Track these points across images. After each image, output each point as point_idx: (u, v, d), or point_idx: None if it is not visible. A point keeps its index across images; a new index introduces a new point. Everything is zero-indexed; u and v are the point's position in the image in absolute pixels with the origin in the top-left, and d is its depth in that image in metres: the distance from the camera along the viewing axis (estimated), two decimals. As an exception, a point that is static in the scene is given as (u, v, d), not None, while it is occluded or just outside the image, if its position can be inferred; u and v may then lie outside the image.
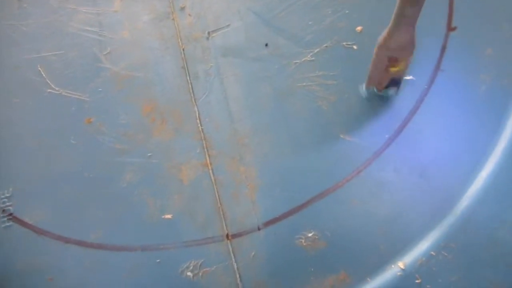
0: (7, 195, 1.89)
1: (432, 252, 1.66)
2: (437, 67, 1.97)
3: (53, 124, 2.02)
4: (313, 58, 2.03)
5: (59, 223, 1.86)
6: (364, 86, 1.92)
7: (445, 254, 1.65)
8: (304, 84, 1.99)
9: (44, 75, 2.11)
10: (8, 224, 1.85)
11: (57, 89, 2.08)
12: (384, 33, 1.60)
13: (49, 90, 2.08)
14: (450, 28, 2.03)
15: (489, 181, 1.73)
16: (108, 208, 1.86)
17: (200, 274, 1.74)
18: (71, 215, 1.86)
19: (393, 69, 1.73)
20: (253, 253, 1.75)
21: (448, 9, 2.05)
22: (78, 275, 1.78)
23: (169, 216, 1.83)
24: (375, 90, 1.88)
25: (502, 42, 1.97)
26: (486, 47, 1.97)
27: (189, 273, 1.74)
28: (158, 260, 1.76)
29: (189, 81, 2.06)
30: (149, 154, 1.94)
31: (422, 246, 1.67)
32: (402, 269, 1.66)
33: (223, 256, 1.75)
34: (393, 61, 1.67)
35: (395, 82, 1.82)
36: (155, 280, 1.75)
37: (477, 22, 2.02)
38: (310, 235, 1.74)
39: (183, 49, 2.12)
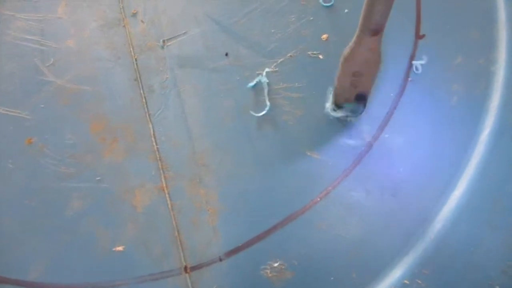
0: None
1: (406, 281, 1.56)
2: (406, 77, 1.87)
3: (-13, 146, 1.80)
4: (277, 69, 1.88)
5: (-6, 260, 1.65)
6: (329, 103, 1.80)
7: (419, 282, 1.55)
8: (268, 97, 1.84)
9: (-23, 91, 1.88)
10: None
11: (-8, 106, 1.85)
12: (349, 44, 1.48)
13: (-17, 108, 1.86)
14: (418, 36, 1.94)
15: (463, 200, 1.65)
16: (51, 240, 1.66)
17: (156, 312, 1.57)
18: (7, 250, 1.65)
19: (358, 88, 1.62)
20: (214, 287, 1.59)
21: (416, 16, 1.96)
22: (17, 318, 1.59)
23: (120, 248, 1.65)
24: (341, 106, 1.76)
25: (472, 50, 1.89)
26: (456, 56, 1.89)
27: (143, 313, 1.57)
28: (108, 299, 1.59)
29: (142, 95, 1.88)
30: (98, 178, 1.75)
31: (395, 274, 1.57)
32: (375, 299, 1.55)
33: (181, 292, 1.59)
34: (357, 75, 1.55)
35: (361, 98, 1.71)
36: (105, 321, 1.57)
37: (445, 29, 1.93)
38: (276, 265, 1.60)
39: (135, 59, 1.93)
